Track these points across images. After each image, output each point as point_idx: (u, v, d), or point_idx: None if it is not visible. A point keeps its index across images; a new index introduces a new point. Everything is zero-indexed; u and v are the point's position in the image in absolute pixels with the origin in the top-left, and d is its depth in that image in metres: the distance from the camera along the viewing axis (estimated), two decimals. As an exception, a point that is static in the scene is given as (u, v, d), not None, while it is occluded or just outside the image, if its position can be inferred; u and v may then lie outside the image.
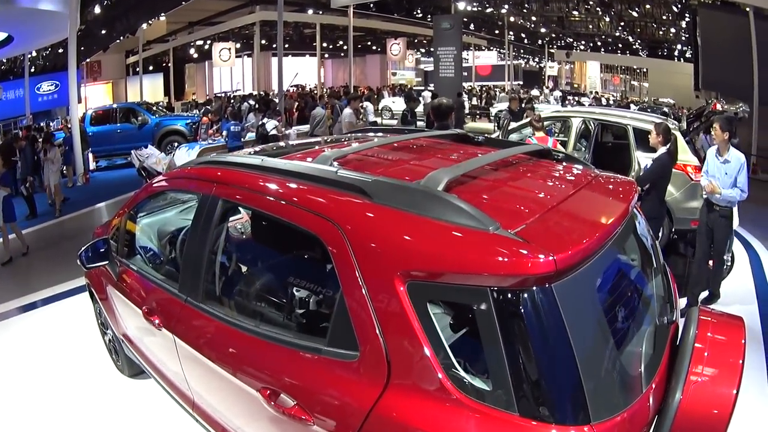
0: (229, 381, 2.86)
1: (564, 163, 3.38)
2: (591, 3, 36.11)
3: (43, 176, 13.45)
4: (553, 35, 52.40)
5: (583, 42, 55.38)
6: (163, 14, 33.16)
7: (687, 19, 33.01)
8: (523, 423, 1.94)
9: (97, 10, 24.44)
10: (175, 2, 30.58)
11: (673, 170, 6.85)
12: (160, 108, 24.68)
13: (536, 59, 62.71)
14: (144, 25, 32.67)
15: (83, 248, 4.28)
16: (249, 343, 2.80)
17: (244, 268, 3.81)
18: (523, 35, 53.29)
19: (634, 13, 36.68)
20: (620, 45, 53.39)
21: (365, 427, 2.21)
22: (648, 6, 34.65)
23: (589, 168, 3.37)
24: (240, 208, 3.94)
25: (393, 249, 2.24)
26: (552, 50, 58.63)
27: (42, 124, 22.77)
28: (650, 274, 2.97)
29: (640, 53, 53.06)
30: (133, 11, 27.23)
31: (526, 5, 38.23)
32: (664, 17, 36.67)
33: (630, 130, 8.67)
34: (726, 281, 7.63)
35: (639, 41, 48.42)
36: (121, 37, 30.20)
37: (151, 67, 41.97)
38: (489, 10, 39.67)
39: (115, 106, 21.09)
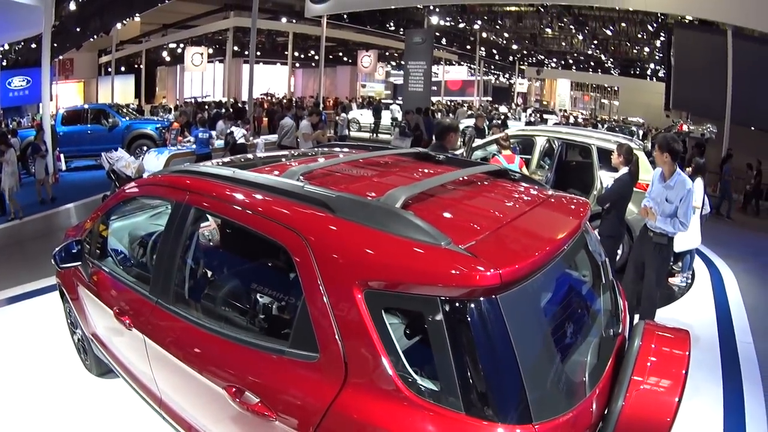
0: (197, 380, 2.97)
1: (520, 183, 3.56)
2: (565, 20, 36.24)
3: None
4: (525, 52, 52.54)
5: (554, 59, 55.68)
6: (138, 15, 32.88)
7: (662, 38, 33.33)
8: (470, 421, 2.09)
9: (72, 6, 24.02)
10: (151, 3, 30.35)
11: (635, 189, 7.03)
12: (130, 110, 24.46)
13: (506, 75, 63.06)
14: (118, 25, 32.37)
15: (57, 249, 4.35)
16: (216, 344, 2.93)
17: (213, 274, 3.91)
18: (494, 51, 53.33)
19: (608, 32, 36.92)
20: (592, 63, 53.75)
21: (324, 422, 2.35)
22: (623, 24, 34.75)
23: (543, 188, 3.56)
24: (210, 217, 4.09)
25: (352, 260, 2.41)
26: (523, 66, 58.81)
27: (12, 120, 22.42)
28: (598, 289, 3.13)
29: (612, 72, 53.55)
30: (108, 10, 26.85)
31: (500, 21, 38.27)
32: (639, 36, 36.88)
33: (594, 149, 8.89)
34: (687, 298, 7.81)
35: (612, 59, 48.68)
36: (95, 36, 29.75)
37: (123, 68, 41.59)
38: (462, 25, 39.79)
39: (86, 106, 20.85)
